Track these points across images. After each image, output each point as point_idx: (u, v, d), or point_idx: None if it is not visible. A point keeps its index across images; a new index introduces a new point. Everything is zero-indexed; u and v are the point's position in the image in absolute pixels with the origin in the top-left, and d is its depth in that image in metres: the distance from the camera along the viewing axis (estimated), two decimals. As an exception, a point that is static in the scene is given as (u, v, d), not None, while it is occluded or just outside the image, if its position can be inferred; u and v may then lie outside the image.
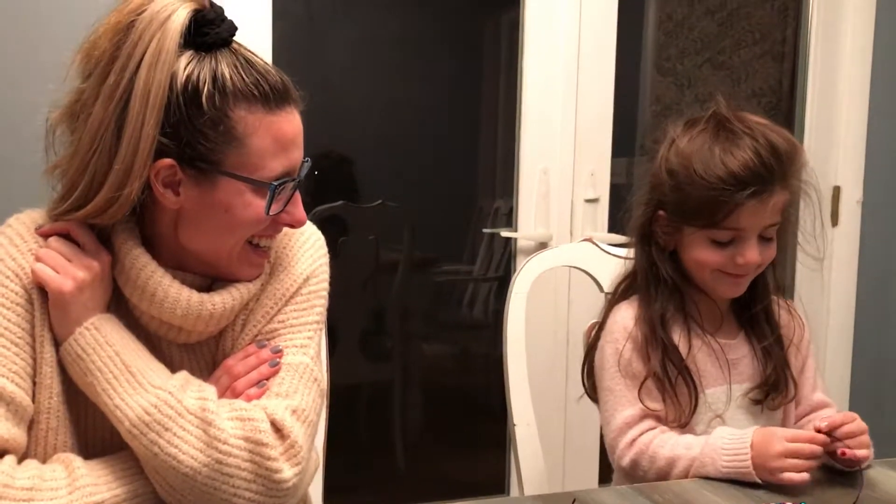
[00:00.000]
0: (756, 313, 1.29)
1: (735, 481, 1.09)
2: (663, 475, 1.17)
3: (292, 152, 0.94)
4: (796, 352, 1.32)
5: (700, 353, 1.26)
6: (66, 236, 0.95)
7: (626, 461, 1.20)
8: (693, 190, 1.20)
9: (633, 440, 1.20)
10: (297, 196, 0.98)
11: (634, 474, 1.20)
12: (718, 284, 1.25)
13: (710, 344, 1.27)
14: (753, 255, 1.20)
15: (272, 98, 0.91)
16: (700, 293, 1.28)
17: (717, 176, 1.18)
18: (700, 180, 1.19)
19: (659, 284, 1.26)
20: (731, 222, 1.19)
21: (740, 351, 1.29)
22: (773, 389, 1.26)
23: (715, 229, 1.21)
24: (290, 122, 0.94)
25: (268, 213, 0.94)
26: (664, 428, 1.22)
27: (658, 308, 1.25)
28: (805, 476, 1.07)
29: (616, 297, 1.34)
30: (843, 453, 1.10)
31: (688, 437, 1.19)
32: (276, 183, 0.92)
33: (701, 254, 1.23)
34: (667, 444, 1.18)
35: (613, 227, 2.18)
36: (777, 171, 1.19)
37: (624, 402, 1.23)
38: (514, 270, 2.14)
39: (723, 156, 1.18)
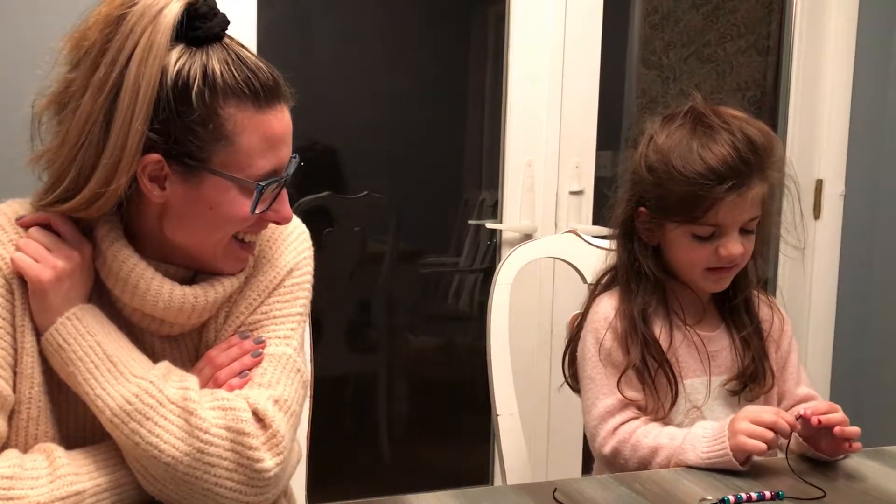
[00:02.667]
0: (736, 305, 1.31)
1: (715, 471, 1.11)
2: (645, 464, 1.18)
3: (281, 150, 0.94)
4: (776, 346, 1.33)
5: (681, 346, 1.27)
6: (46, 226, 0.94)
7: (607, 449, 1.21)
8: (673, 186, 1.21)
9: (615, 428, 1.21)
10: (284, 194, 0.98)
11: (615, 462, 1.21)
12: (703, 281, 1.26)
13: (691, 336, 1.28)
14: (736, 246, 1.21)
15: (262, 96, 0.91)
16: (682, 287, 1.29)
17: (695, 171, 1.19)
18: (679, 176, 1.20)
19: (640, 280, 1.27)
20: (712, 217, 1.20)
21: (720, 343, 1.30)
22: (751, 381, 1.27)
23: (696, 224, 1.22)
24: (280, 121, 0.93)
25: (253, 212, 0.93)
26: (646, 418, 1.23)
27: (640, 302, 1.26)
28: (761, 446, 1.08)
29: (598, 289, 1.35)
30: (838, 433, 1.10)
31: (671, 429, 1.20)
32: (263, 183, 0.92)
33: (686, 252, 1.24)
34: (650, 434, 1.19)
35: (598, 220, 2.19)
36: (755, 164, 1.20)
37: (605, 391, 1.24)
38: (499, 262, 2.15)
39: (700, 151, 1.19)
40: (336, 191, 2.44)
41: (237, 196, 0.92)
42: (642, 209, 1.27)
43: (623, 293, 1.29)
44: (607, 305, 1.29)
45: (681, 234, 1.24)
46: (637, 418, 1.23)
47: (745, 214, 1.22)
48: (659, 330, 1.26)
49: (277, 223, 0.99)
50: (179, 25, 0.88)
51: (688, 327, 1.28)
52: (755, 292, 1.33)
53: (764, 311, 1.34)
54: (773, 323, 1.33)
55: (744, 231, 1.23)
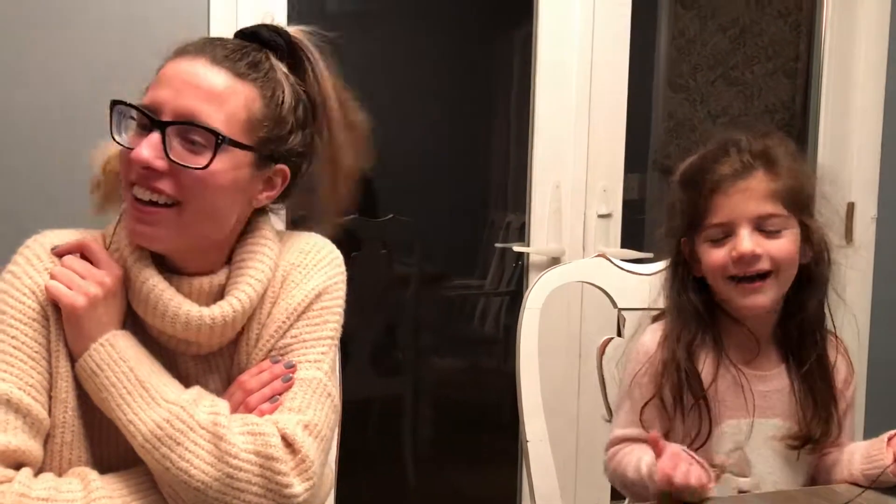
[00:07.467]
0: (802, 350, 1.25)
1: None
2: (628, 483, 1.20)
3: (160, 89, 0.94)
4: (842, 397, 1.28)
5: (725, 384, 1.23)
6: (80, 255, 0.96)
7: (608, 474, 1.26)
8: (676, 197, 1.25)
9: (612, 456, 1.24)
10: (149, 137, 0.92)
11: (615, 484, 1.25)
12: (736, 296, 1.20)
13: (739, 375, 1.23)
14: (745, 243, 1.17)
15: (186, 49, 0.96)
16: (734, 323, 1.24)
17: (693, 165, 1.24)
18: (680, 177, 1.25)
19: (688, 313, 1.24)
20: (718, 215, 1.19)
21: (774, 384, 1.25)
22: (814, 436, 1.22)
23: (708, 229, 1.21)
24: (177, 65, 0.95)
25: (111, 135, 0.94)
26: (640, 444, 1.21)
27: (686, 336, 1.22)
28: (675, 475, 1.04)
29: (653, 318, 1.32)
30: None
31: (646, 456, 1.15)
32: (113, 99, 0.94)
33: (706, 262, 1.21)
34: (623, 461, 1.21)
35: (626, 243, 2.18)
36: (754, 154, 1.20)
37: (626, 421, 1.25)
38: (526, 285, 2.14)
39: (700, 152, 1.25)
40: (362, 213, 2.45)
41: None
42: (683, 239, 1.25)
43: (670, 326, 1.25)
44: (652, 337, 1.26)
45: (702, 247, 1.22)
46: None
47: (752, 206, 1.18)
48: (702, 364, 1.22)
49: (131, 160, 0.94)
50: None
51: (737, 366, 1.23)
52: (832, 340, 1.28)
53: (839, 364, 1.28)
54: (841, 372, 1.28)
55: (763, 232, 1.18)
